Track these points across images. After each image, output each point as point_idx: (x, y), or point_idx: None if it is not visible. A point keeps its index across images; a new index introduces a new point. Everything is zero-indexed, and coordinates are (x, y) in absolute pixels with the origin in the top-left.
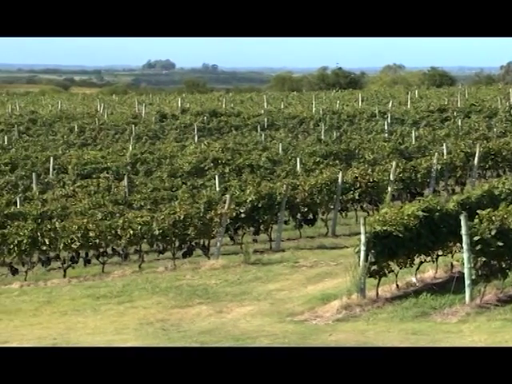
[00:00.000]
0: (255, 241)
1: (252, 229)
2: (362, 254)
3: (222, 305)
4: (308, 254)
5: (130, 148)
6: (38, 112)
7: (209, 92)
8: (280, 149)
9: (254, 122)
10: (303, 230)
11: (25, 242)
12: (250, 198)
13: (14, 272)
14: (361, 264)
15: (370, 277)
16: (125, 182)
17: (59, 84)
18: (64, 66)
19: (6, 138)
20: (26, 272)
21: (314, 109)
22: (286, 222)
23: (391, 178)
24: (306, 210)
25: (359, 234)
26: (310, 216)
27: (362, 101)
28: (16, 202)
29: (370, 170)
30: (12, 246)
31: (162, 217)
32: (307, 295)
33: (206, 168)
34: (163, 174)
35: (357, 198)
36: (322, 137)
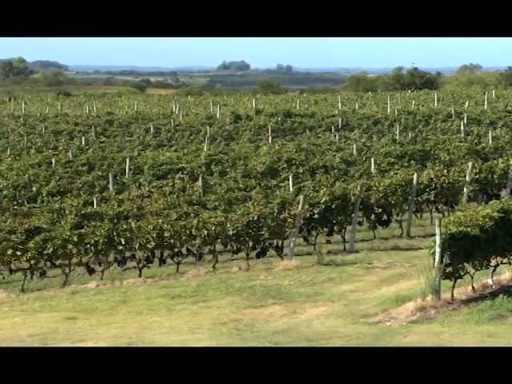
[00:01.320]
0: (329, 242)
1: (326, 230)
2: (437, 255)
3: (296, 305)
4: (382, 256)
5: (205, 149)
6: (114, 113)
7: (283, 93)
8: (354, 149)
9: (328, 123)
10: (377, 231)
11: (101, 241)
12: (323, 199)
13: (91, 271)
14: (436, 266)
15: (444, 278)
16: (199, 182)
17: (135, 85)
18: (140, 68)
19: (83, 139)
20: (103, 271)
21: (388, 109)
22: (359, 223)
23: (467, 179)
24: (380, 210)
25: (434, 235)
26: (384, 217)
27: (438, 101)
28: (93, 203)
29: (445, 170)
30: (89, 245)
31: (236, 217)
32: (381, 297)
33: (280, 169)
34: (237, 175)
35: (432, 199)
36: (397, 137)
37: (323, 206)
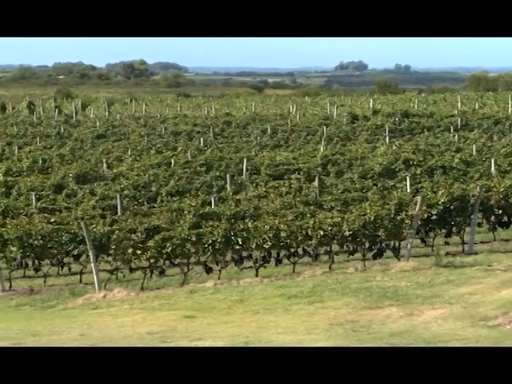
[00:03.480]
0: (447, 243)
1: (444, 231)
2: None
3: (413, 307)
4: (502, 258)
5: (322, 149)
6: (232, 114)
7: (401, 93)
8: (474, 150)
9: (446, 123)
10: (497, 232)
11: (219, 241)
12: (442, 200)
13: (209, 271)
14: None
15: None
16: (316, 183)
17: (253, 86)
18: (258, 69)
19: (201, 139)
20: (220, 271)
21: (510, 109)
22: (479, 225)
23: None
24: (500, 212)
25: None
26: (505, 218)
27: None
28: (211, 203)
29: None
30: (206, 245)
31: (353, 218)
32: (501, 299)
33: (397, 169)
34: (354, 175)
35: None
36: None
37: (441, 207)
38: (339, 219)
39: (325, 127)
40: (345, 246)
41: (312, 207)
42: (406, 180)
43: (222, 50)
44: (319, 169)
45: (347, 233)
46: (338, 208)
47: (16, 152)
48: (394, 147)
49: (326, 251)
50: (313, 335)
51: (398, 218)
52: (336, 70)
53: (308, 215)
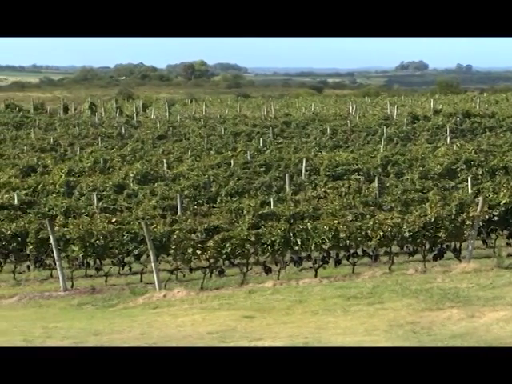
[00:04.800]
0: (509, 244)
1: (505, 232)
2: None
3: (474, 309)
4: None
5: (381, 150)
6: (291, 115)
7: (462, 93)
8: None
9: (509, 123)
10: None
11: (278, 241)
12: (503, 201)
13: (268, 271)
14: None
15: None
16: (375, 183)
17: (313, 87)
18: (318, 69)
19: (261, 140)
20: (279, 271)
21: None
22: None
23: None
24: None
25: None
26: None
27: None
28: (270, 203)
29: None
30: (266, 245)
31: (413, 219)
32: None
33: (458, 170)
34: (414, 176)
35: None
36: None
37: (503, 208)
38: (399, 220)
39: (385, 127)
40: (405, 247)
41: (372, 208)
42: (467, 181)
43: (281, 50)
44: (379, 169)
45: (407, 234)
46: (398, 209)
47: (78, 152)
48: (455, 147)
49: (385, 252)
50: (372, 336)
51: (459, 219)
52: (396, 69)
53: (368, 216)
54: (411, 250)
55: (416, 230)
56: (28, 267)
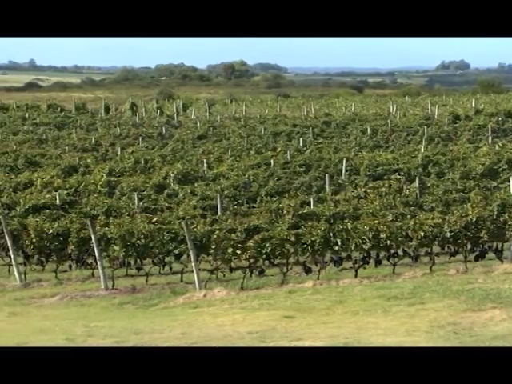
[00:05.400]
0: None
1: None
2: None
3: None
4: None
5: (422, 149)
6: (331, 114)
7: (504, 92)
8: None
9: None
10: None
11: (318, 241)
12: None
13: (308, 271)
14: None
15: None
16: (416, 183)
17: (353, 86)
18: (358, 69)
19: (301, 140)
20: (319, 271)
21: None
22: None
23: None
24: None
25: None
26: None
27: None
28: (310, 203)
29: None
30: (305, 245)
31: (454, 219)
32: None
33: (500, 170)
34: (455, 176)
35: None
36: None
37: None
38: (440, 220)
39: (426, 127)
40: (446, 248)
41: (412, 208)
42: (509, 181)
43: (322, 50)
44: (420, 169)
45: (448, 234)
46: (439, 209)
47: (119, 152)
48: (496, 147)
49: (426, 252)
50: (413, 337)
51: (501, 219)
52: (438, 69)
53: (408, 216)
54: (452, 250)
55: (457, 230)
56: (70, 266)
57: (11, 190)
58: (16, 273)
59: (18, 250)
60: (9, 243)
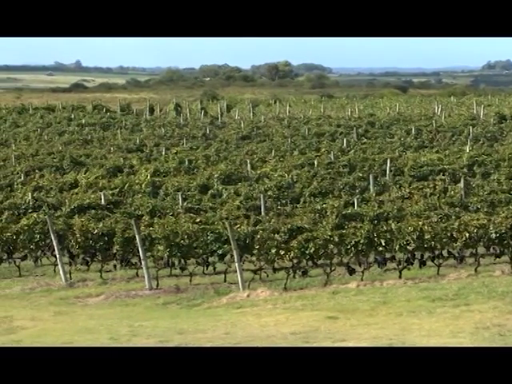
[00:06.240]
0: None
1: None
2: None
3: None
4: None
5: (467, 150)
6: (375, 115)
7: None
8: None
9: None
10: None
11: (361, 242)
12: None
13: (351, 272)
14: None
15: None
16: (461, 184)
17: (397, 87)
18: (403, 69)
19: (345, 140)
20: (363, 272)
21: None
22: None
23: None
24: None
25: None
26: None
27: None
28: (353, 203)
29: None
30: (349, 246)
31: (499, 220)
32: None
33: None
34: (501, 177)
35: None
36: None
37: None
38: (485, 221)
39: (471, 127)
40: (491, 249)
41: (457, 209)
42: None
43: (366, 50)
44: (465, 170)
45: (494, 235)
46: (485, 210)
47: (163, 153)
48: None
49: (471, 253)
50: (458, 338)
51: None
52: (483, 69)
53: (453, 217)
54: (498, 251)
55: (503, 231)
56: (114, 266)
57: (57, 190)
58: (61, 272)
59: (64, 249)
60: (54, 243)
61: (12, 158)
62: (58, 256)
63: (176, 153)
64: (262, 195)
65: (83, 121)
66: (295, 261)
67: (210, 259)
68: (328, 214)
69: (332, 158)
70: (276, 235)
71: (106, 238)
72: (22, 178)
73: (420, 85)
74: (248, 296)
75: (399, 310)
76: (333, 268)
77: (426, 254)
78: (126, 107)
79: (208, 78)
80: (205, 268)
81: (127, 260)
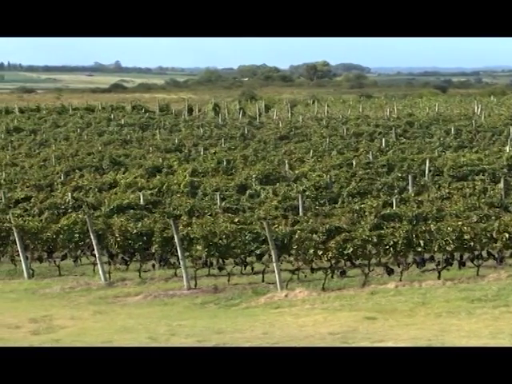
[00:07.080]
0: None
1: None
2: None
3: None
4: None
5: (507, 150)
6: (414, 115)
7: None
8: None
9: None
10: None
11: (400, 242)
12: None
13: (390, 272)
14: None
15: None
16: (501, 184)
17: (437, 86)
18: (442, 69)
19: (383, 140)
20: (401, 272)
21: None
22: None
23: None
24: None
25: None
26: None
27: None
28: (392, 204)
29: None
30: (388, 246)
31: None
32: None
33: None
34: None
35: None
36: None
37: None
38: None
39: (511, 127)
40: None
41: (497, 209)
42: None
43: (405, 50)
44: (505, 170)
45: None
46: None
47: (202, 153)
48: None
49: (511, 254)
50: (498, 340)
51: None
52: None
53: (493, 217)
54: None
55: None
56: (153, 266)
57: (96, 190)
58: (101, 272)
59: (103, 249)
60: (94, 243)
61: (52, 158)
62: (97, 255)
63: (214, 153)
64: (300, 195)
65: (122, 121)
66: (333, 261)
67: (248, 259)
68: (366, 214)
69: (370, 158)
70: (314, 235)
71: (145, 238)
72: (62, 177)
73: (460, 84)
74: (286, 296)
75: (438, 310)
76: (371, 268)
77: (466, 255)
78: (165, 107)
79: (246, 78)
80: (243, 268)
81: (166, 260)
